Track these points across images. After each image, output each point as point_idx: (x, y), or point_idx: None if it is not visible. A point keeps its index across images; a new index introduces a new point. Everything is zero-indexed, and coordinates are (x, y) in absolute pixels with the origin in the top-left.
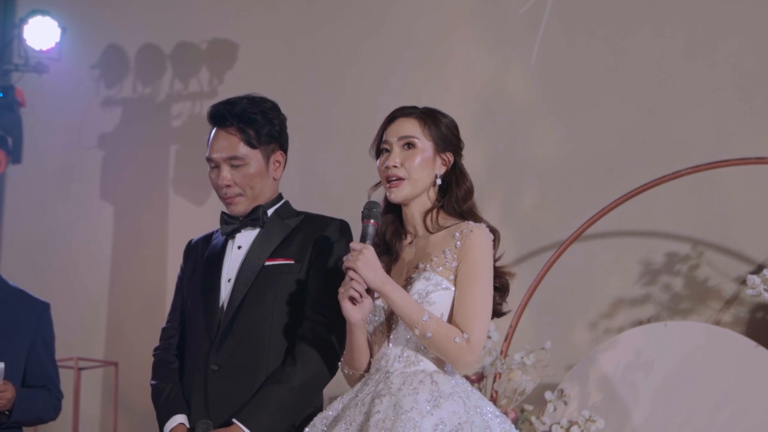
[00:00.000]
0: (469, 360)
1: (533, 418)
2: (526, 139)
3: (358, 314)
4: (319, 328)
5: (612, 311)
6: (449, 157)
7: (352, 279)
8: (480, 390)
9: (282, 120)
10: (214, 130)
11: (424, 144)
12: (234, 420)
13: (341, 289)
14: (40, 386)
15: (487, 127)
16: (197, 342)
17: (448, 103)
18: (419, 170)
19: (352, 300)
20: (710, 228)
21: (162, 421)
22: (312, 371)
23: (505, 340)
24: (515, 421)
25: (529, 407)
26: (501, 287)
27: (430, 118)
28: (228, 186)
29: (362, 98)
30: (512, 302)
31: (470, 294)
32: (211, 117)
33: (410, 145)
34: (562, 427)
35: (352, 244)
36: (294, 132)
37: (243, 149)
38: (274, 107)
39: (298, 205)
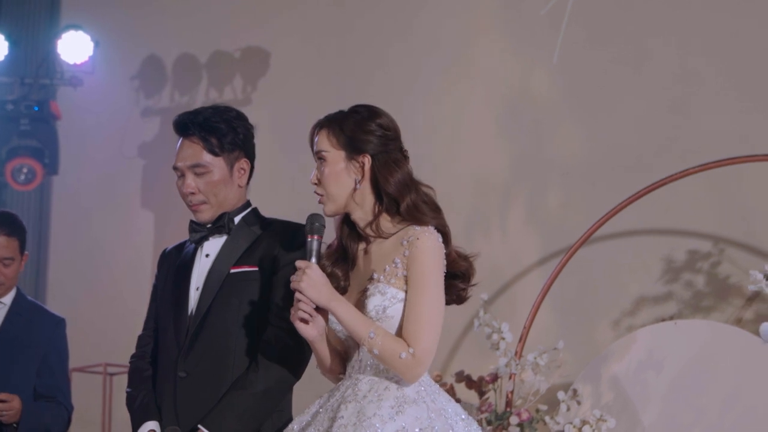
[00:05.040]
0: (416, 373)
1: (547, 418)
2: (551, 138)
3: (312, 331)
4: (283, 333)
5: (634, 309)
6: (364, 159)
7: (299, 300)
8: (495, 391)
9: (248, 128)
10: (180, 140)
11: (334, 155)
12: (199, 426)
13: (292, 311)
14: (50, 397)
15: (512, 128)
16: (167, 350)
17: (474, 104)
18: (331, 185)
19: (303, 320)
20: (732, 225)
21: (135, 427)
22: (275, 376)
23: (520, 340)
24: (529, 421)
25: (543, 407)
26: (462, 274)
27: (336, 124)
28: (192, 193)
29: (389, 101)
30: (529, 302)
31: (417, 306)
32: (176, 126)
33: (322, 159)
34: (574, 426)
35: (297, 263)
36: None
37: (206, 157)
38: (239, 116)
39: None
